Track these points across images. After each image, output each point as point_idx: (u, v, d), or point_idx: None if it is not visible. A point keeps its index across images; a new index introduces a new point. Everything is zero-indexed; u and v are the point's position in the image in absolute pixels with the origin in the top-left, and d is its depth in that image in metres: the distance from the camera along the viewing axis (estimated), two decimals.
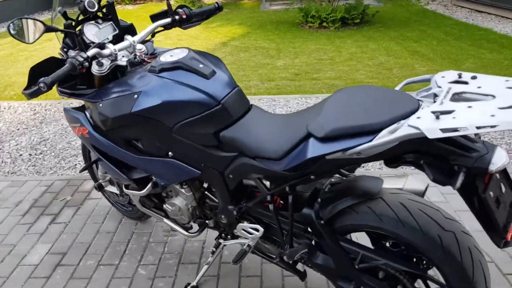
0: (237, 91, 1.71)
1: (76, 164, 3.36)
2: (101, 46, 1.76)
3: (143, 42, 1.94)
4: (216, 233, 2.02)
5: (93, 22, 1.91)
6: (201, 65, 1.69)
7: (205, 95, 1.63)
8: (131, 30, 2.03)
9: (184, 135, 1.69)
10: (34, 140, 3.85)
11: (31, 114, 4.48)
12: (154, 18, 1.98)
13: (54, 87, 1.70)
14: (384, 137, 1.25)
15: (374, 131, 1.30)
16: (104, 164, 1.99)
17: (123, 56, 1.89)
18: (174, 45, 6.96)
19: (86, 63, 1.61)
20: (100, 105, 1.78)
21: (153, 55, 1.98)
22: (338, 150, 1.33)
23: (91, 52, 1.67)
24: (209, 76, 1.68)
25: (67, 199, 2.84)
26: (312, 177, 1.52)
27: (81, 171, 2.24)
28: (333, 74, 5.39)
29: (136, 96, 1.69)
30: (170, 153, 1.77)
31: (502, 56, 5.82)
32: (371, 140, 1.29)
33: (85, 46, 1.79)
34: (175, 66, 1.70)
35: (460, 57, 5.90)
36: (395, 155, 1.34)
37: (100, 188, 2.32)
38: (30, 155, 3.58)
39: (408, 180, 1.67)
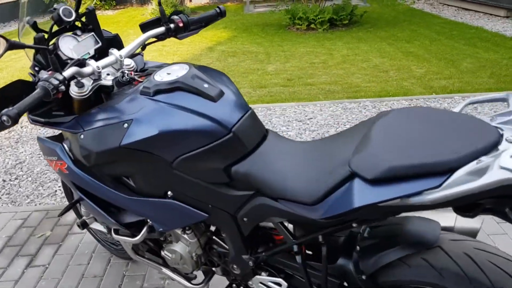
0: (250, 115, 1.39)
1: (56, 191, 2.98)
2: (81, 63, 1.42)
3: (131, 56, 1.60)
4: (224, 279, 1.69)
5: (70, 33, 1.57)
6: (206, 85, 1.36)
7: (212, 122, 1.31)
8: (116, 42, 1.68)
9: (186, 171, 1.36)
10: (9, 163, 3.43)
11: (5, 133, 4.06)
12: (145, 27, 1.63)
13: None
14: (465, 184, 0.93)
15: (444, 171, 0.98)
16: (87, 205, 1.64)
17: (108, 74, 1.56)
18: (157, 52, 6.60)
19: (63, 87, 1.27)
20: (81, 136, 1.43)
21: (144, 71, 1.64)
22: (397, 197, 1.01)
23: (68, 72, 1.33)
24: (216, 98, 1.35)
25: (46, 235, 2.46)
26: (354, 225, 1.20)
27: (60, 214, 1.88)
28: (328, 78, 5.09)
29: (126, 125, 1.35)
30: (169, 192, 1.44)
31: (499, 55, 5.60)
32: (441, 184, 0.97)
33: (61, 64, 1.45)
34: (174, 87, 1.37)
35: (456, 57, 5.66)
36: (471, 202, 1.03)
37: (84, 226, 1.96)
38: (4, 181, 3.17)
39: (458, 217, 1.36)
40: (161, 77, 1.40)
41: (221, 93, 1.37)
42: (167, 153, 1.34)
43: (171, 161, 1.34)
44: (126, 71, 1.53)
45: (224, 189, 1.37)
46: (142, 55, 1.71)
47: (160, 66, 1.62)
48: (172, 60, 6.19)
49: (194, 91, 1.35)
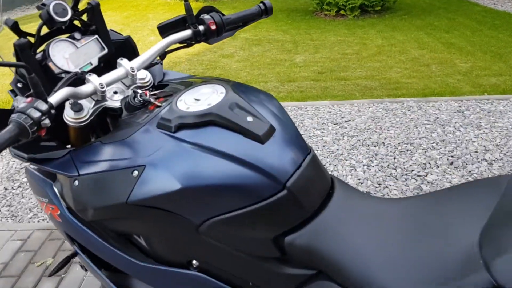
0: (311, 162, 0.97)
1: None
2: (79, 78, 1.03)
3: (147, 66, 1.18)
4: None
5: (65, 37, 1.16)
6: (250, 118, 0.94)
7: (259, 174, 0.90)
8: (128, 47, 1.27)
9: (219, 238, 0.95)
10: (13, 167, 3.04)
11: None
12: (165, 29, 1.20)
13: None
14: None
15: None
16: (85, 263, 1.26)
17: (115, 93, 1.15)
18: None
19: (47, 120, 0.86)
20: (76, 183, 1.03)
21: (163, 87, 1.22)
22: None
23: (57, 96, 0.92)
24: (265, 137, 0.93)
25: (47, 263, 2.09)
26: None
27: (51, 274, 1.50)
28: (363, 72, 4.60)
29: (135, 173, 0.94)
30: (194, 262, 1.03)
31: None
32: None
33: (53, 80, 1.05)
34: (205, 121, 0.95)
35: (503, 50, 5.09)
36: None
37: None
38: (6, 189, 2.78)
39: None
40: (187, 104, 0.99)
41: (271, 130, 0.95)
42: (193, 214, 0.93)
43: (198, 224, 0.94)
44: (140, 91, 1.11)
45: (273, 265, 0.96)
46: (161, 64, 1.29)
47: (185, 82, 1.20)
48: (190, 49, 5.75)
49: (233, 128, 0.93)
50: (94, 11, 1.17)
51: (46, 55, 1.11)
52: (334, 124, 3.37)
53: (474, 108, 3.50)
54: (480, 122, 3.25)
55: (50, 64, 1.10)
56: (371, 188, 2.52)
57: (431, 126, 3.22)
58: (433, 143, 2.98)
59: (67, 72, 1.10)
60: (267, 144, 0.93)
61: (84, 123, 1.08)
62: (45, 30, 1.13)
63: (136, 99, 1.11)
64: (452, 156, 2.80)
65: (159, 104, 1.08)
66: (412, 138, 3.06)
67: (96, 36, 1.18)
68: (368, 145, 3.00)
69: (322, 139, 3.15)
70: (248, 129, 0.92)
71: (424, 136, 3.09)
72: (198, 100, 0.99)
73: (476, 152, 2.84)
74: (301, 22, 7.00)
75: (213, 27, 1.16)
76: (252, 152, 0.91)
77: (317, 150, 2.99)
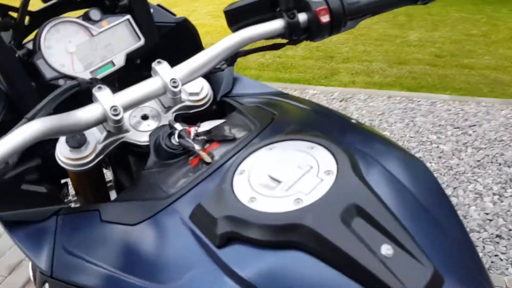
0: None
1: None
2: (86, 90, 0.55)
3: (209, 73, 0.66)
4: None
5: (73, 18, 0.69)
6: (387, 249, 0.42)
7: None
8: (185, 36, 0.77)
9: None
10: None
11: None
12: (238, 16, 0.66)
13: None
14: None
15: None
16: None
17: (144, 119, 0.67)
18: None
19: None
20: (46, 287, 0.57)
21: (229, 108, 0.71)
22: None
23: (11, 141, 0.46)
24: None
25: None
26: None
27: None
28: (492, 60, 3.72)
29: None
30: None
31: None
32: None
33: (39, 92, 0.60)
34: (285, 242, 0.43)
35: None
36: None
37: None
38: None
39: None
40: (253, 187, 0.46)
41: (436, 284, 0.40)
42: None
43: None
44: (179, 126, 0.61)
45: None
46: (231, 68, 0.77)
47: (264, 111, 0.68)
48: None
49: (345, 268, 0.40)
50: None
51: (36, 46, 0.64)
52: (455, 128, 2.65)
53: None
54: None
55: (39, 62, 0.63)
56: (503, 230, 1.85)
57: None
58: None
59: (70, 78, 0.63)
60: None
61: (87, 167, 0.61)
62: (40, 4, 0.66)
63: (172, 138, 0.61)
64: None
65: (207, 160, 0.57)
66: None
67: (129, 16, 0.69)
68: (500, 164, 2.28)
69: (438, 147, 2.47)
70: (381, 280, 0.39)
71: None
72: (277, 181, 0.47)
73: None
74: None
75: (325, 19, 0.60)
76: None
77: (430, 162, 2.33)
